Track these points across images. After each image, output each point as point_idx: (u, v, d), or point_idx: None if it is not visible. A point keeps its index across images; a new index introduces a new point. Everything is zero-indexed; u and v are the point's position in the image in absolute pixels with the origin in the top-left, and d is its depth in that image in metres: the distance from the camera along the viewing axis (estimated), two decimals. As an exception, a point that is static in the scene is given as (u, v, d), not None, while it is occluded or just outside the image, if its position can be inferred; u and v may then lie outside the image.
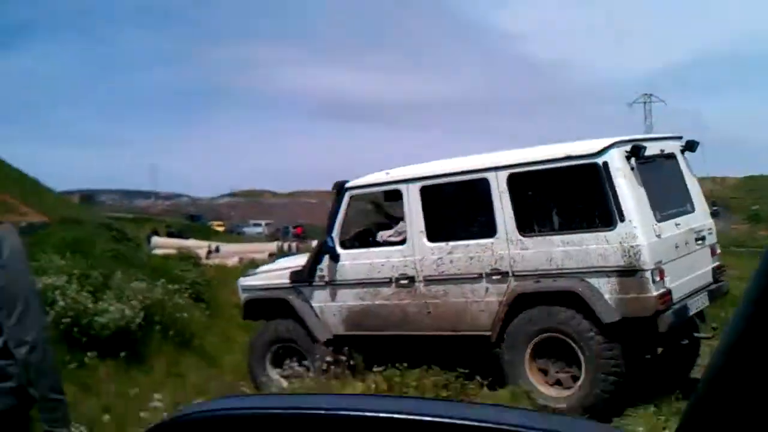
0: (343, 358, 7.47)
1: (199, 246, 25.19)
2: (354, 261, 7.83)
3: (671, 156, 7.42)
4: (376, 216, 8.88)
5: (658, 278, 6.43)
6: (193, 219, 68.60)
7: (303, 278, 8.11)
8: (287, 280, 8.24)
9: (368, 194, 8.18)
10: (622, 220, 6.43)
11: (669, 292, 6.52)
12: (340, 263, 7.86)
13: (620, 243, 6.43)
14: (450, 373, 6.87)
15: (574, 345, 6.61)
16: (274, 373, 8.26)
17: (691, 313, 6.88)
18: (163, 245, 24.50)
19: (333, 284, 7.94)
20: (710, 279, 7.41)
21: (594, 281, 6.53)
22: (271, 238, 47.18)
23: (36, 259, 10.22)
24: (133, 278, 10.92)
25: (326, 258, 7.95)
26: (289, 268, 8.46)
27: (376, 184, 7.96)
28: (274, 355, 8.30)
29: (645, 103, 62.68)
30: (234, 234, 56.17)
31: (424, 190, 7.48)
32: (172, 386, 8.29)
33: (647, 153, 6.73)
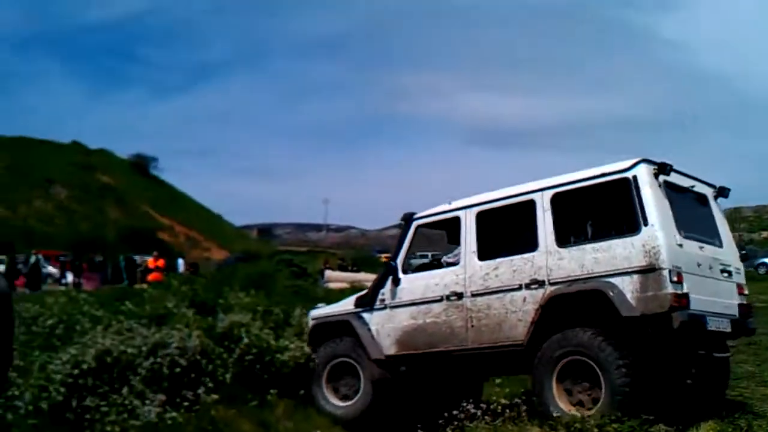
0: (518, 400, 7.38)
1: (369, 279, 25.71)
2: (412, 284, 8.43)
3: (703, 196, 8.06)
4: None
5: (675, 279, 6.89)
6: (379, 252, 69.92)
7: (366, 302, 8.71)
8: (352, 306, 8.80)
9: (433, 223, 8.77)
10: (646, 224, 7.01)
11: (686, 296, 6.92)
12: (399, 287, 8.45)
13: (643, 245, 6.98)
14: (634, 420, 6.67)
15: (592, 363, 6.98)
16: (328, 390, 8.79)
17: (710, 327, 7.17)
18: (336, 278, 25.25)
19: (391, 307, 8.50)
20: (735, 312, 7.67)
21: (618, 281, 7.05)
22: (438, 269, 47.17)
23: (224, 296, 10.84)
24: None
25: (389, 282, 8.55)
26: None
27: (438, 212, 8.66)
28: (332, 371, 8.81)
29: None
30: (402, 265, 56.42)
31: (479, 215, 8.20)
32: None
33: (678, 183, 7.54)
